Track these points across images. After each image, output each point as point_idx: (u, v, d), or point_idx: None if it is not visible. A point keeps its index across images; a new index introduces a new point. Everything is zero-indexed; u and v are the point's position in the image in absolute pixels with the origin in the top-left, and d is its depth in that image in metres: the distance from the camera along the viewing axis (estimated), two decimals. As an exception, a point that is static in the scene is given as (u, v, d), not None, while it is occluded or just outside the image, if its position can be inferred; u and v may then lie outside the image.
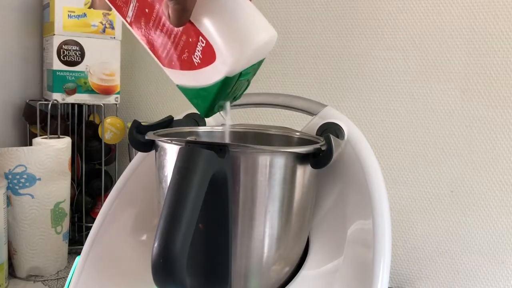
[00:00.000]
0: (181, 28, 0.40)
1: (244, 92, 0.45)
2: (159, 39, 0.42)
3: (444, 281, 0.78)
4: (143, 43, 0.44)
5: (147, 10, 0.42)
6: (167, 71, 0.43)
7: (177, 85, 0.43)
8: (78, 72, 0.86)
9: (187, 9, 0.38)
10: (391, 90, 0.79)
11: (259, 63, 0.41)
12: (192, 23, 0.39)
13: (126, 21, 0.44)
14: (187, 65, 0.41)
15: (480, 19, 0.73)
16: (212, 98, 0.41)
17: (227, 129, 0.45)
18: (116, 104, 0.90)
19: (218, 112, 0.44)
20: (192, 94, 0.42)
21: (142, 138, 0.46)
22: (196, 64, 0.40)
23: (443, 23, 0.75)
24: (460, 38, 0.75)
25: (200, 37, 0.39)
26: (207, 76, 0.40)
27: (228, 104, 0.43)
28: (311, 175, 0.45)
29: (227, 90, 0.41)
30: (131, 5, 0.43)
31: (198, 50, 0.39)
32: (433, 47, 0.76)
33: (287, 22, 0.85)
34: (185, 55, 0.41)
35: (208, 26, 0.38)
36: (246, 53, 0.38)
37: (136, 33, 0.44)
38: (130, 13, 0.44)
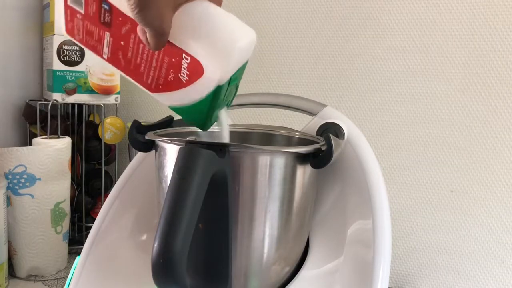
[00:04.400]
0: (162, 51, 0.40)
1: (237, 95, 0.45)
2: (141, 67, 0.42)
3: (444, 281, 0.78)
4: (126, 75, 0.43)
5: (122, 42, 0.42)
6: (156, 96, 0.43)
7: (169, 107, 0.43)
8: (78, 72, 0.86)
9: (165, 32, 0.38)
10: (391, 90, 0.79)
11: (244, 65, 0.42)
12: (171, 43, 0.39)
13: (103, 58, 0.43)
14: (175, 85, 0.41)
15: (480, 19, 0.73)
16: (207, 110, 0.41)
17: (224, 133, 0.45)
18: (116, 104, 0.90)
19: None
20: (186, 111, 0.42)
21: (142, 138, 0.46)
22: (185, 82, 0.40)
23: (443, 23, 0.75)
24: (460, 38, 0.75)
25: (183, 55, 0.39)
26: (199, 90, 0.40)
27: (222, 113, 0.43)
28: (311, 175, 0.45)
29: (220, 99, 0.41)
30: (105, 41, 0.42)
31: (183, 68, 0.40)
32: (433, 47, 0.76)
33: (287, 22, 0.85)
34: (171, 76, 0.41)
35: (190, 42, 0.39)
36: (233, 57, 0.39)
37: (117, 67, 0.43)
38: (105, 50, 0.43)
